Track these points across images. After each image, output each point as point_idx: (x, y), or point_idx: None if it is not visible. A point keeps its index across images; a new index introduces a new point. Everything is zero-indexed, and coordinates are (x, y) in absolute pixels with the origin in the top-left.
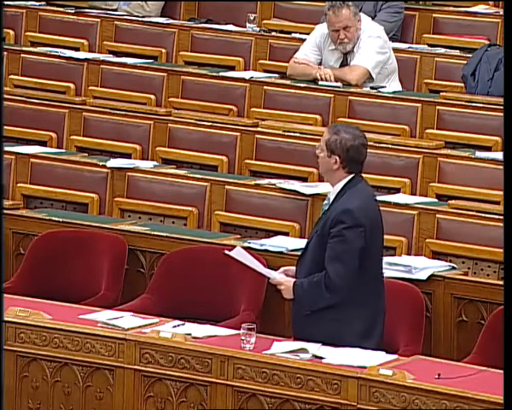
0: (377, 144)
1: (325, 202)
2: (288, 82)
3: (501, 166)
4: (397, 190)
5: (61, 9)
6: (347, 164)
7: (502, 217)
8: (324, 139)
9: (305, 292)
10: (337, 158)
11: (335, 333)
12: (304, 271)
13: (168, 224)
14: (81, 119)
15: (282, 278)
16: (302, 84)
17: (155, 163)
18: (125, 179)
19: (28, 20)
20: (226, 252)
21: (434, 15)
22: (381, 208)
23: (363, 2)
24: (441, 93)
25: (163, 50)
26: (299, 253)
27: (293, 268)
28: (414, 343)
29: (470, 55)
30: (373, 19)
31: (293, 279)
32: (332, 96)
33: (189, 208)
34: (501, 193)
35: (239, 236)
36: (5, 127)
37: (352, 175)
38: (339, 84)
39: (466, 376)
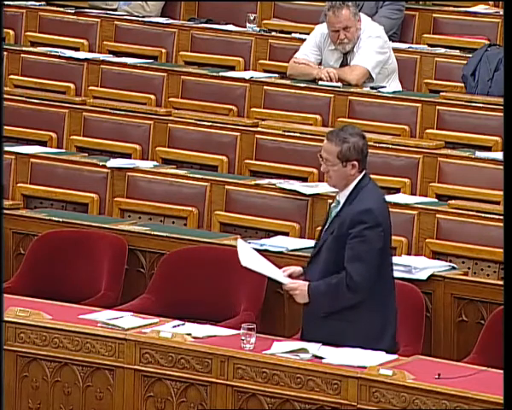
0: (377, 144)
1: (333, 204)
2: (288, 82)
3: (501, 166)
4: (397, 190)
5: (61, 9)
6: (363, 163)
7: (502, 217)
8: (334, 153)
9: (324, 295)
10: (354, 163)
11: (349, 334)
12: (318, 272)
13: (168, 224)
14: (81, 119)
15: (295, 283)
16: (302, 84)
17: (155, 163)
18: (125, 179)
19: (28, 20)
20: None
21: (434, 15)
22: None
23: (364, 2)
24: (441, 93)
25: (163, 50)
26: (299, 253)
27: (298, 268)
28: (414, 343)
29: (470, 55)
30: (374, 15)
31: (306, 283)
32: (332, 96)
33: (189, 208)
34: (501, 193)
35: (239, 236)
36: (5, 127)
37: (362, 173)
38: (339, 84)
39: (466, 376)
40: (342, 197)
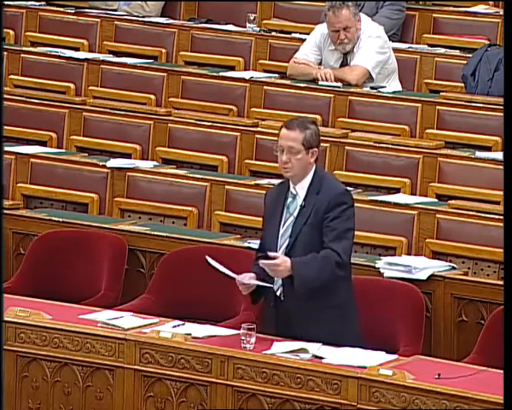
0: (377, 144)
1: (289, 199)
2: (288, 82)
3: (501, 166)
4: (397, 190)
5: (61, 9)
6: (318, 152)
7: (502, 217)
8: (299, 139)
9: (310, 267)
10: (315, 150)
11: (336, 317)
12: None
13: (168, 224)
14: (81, 119)
15: (278, 259)
16: (302, 84)
17: (155, 163)
18: (125, 179)
19: (28, 20)
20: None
21: (434, 15)
22: (381, 208)
23: (364, 2)
24: (441, 93)
25: (163, 50)
26: None
27: (252, 274)
28: (414, 343)
29: (470, 55)
30: (374, 15)
31: (287, 258)
32: (332, 96)
33: (189, 208)
34: (501, 193)
35: (239, 236)
36: (5, 127)
37: (315, 164)
38: (339, 84)
39: (466, 376)
40: (301, 189)
